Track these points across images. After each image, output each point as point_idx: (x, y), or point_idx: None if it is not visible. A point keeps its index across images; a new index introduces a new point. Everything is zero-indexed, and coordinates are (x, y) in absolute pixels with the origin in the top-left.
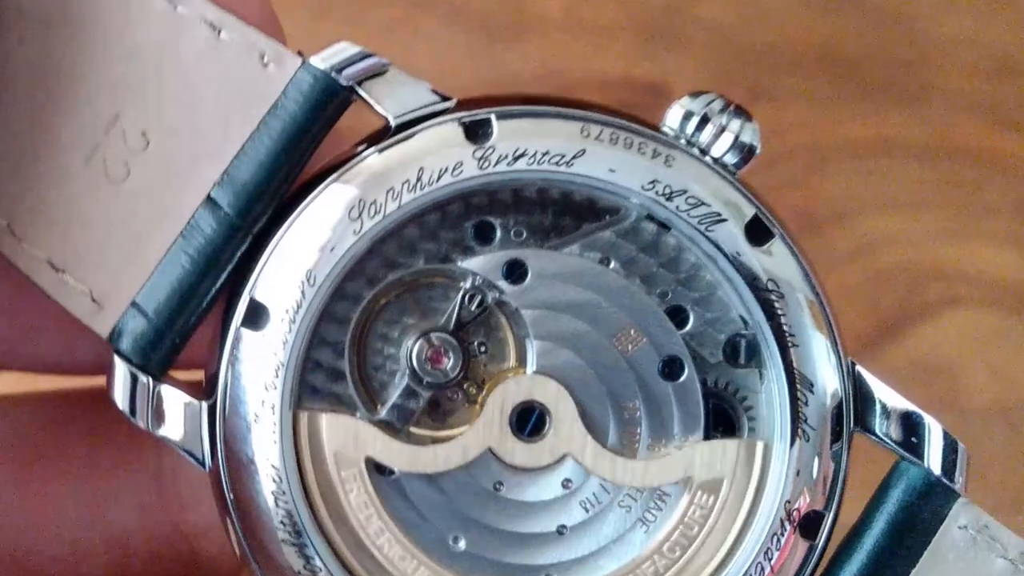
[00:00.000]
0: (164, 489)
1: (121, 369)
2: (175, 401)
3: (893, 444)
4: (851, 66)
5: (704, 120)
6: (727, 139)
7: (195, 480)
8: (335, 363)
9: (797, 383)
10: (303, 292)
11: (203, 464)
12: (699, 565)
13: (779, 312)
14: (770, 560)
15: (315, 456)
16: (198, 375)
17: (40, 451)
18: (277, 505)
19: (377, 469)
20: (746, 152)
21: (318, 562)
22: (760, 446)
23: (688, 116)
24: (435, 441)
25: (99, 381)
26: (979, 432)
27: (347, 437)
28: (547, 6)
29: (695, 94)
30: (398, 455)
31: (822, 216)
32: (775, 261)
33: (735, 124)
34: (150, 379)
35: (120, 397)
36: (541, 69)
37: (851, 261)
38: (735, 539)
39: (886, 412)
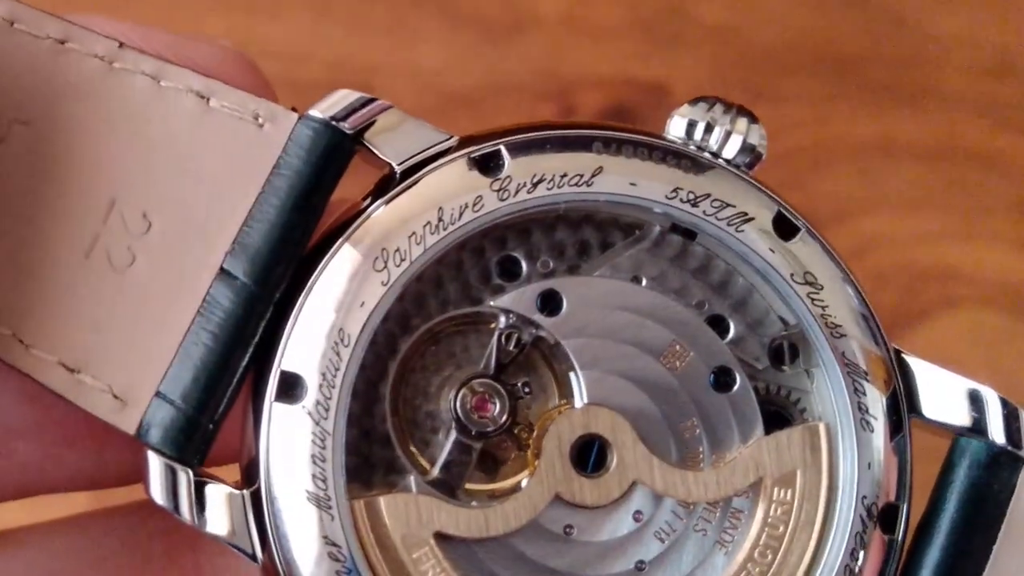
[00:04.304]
0: None
1: (156, 464)
2: (217, 494)
3: (951, 425)
4: (851, 66)
5: (709, 127)
6: (735, 142)
7: None
8: (379, 427)
9: (852, 373)
10: (339, 353)
11: (254, 558)
12: (792, 565)
13: (822, 304)
14: (857, 560)
15: (381, 544)
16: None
17: None
18: None
19: (442, 535)
20: (754, 155)
21: None
22: (822, 428)
23: (692, 125)
24: (492, 495)
25: (131, 496)
26: None
27: (410, 517)
28: (547, 6)
29: (693, 102)
30: (467, 524)
31: (822, 216)
32: (807, 254)
33: (741, 125)
34: (188, 471)
35: (159, 494)
36: (541, 69)
37: (851, 261)
38: (820, 530)
39: (938, 393)
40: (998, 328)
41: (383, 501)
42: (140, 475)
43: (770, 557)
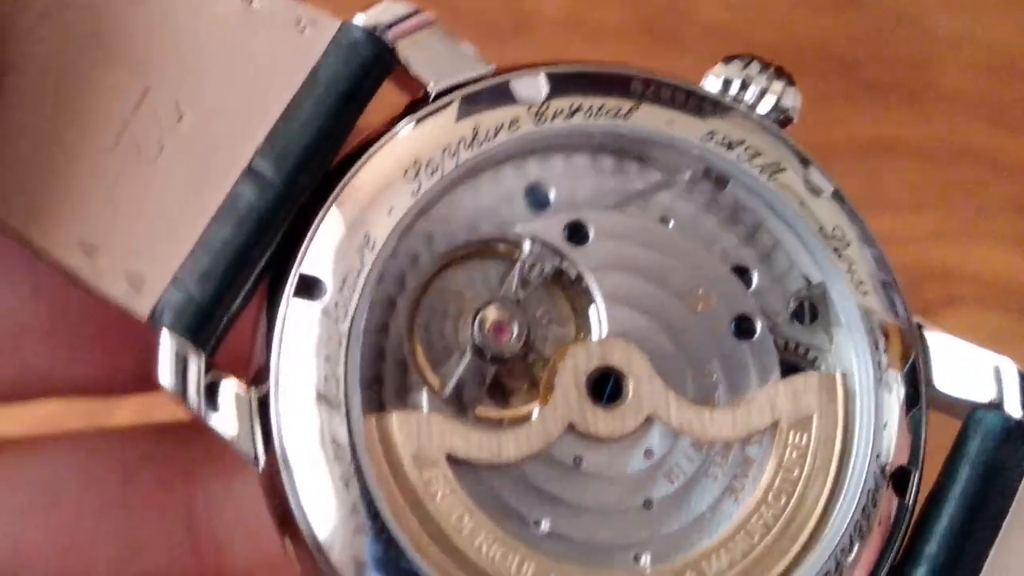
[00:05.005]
0: (199, 533)
1: (167, 345)
2: (226, 389)
3: (967, 400)
4: (851, 66)
5: (744, 84)
6: (769, 101)
7: (233, 521)
8: (394, 344)
9: (873, 330)
10: (362, 256)
11: (256, 461)
12: (806, 511)
13: (848, 259)
14: (868, 518)
15: (391, 462)
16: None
17: (72, 494)
18: (348, 488)
19: (454, 459)
20: (785, 117)
21: (404, 553)
22: (839, 376)
23: (728, 82)
24: (501, 423)
25: (130, 417)
26: None
27: (421, 435)
28: (547, 6)
29: (727, 59)
30: (478, 447)
31: None
32: (835, 211)
33: (777, 86)
34: (201, 354)
35: (167, 377)
36: None
37: None
38: (835, 477)
39: (956, 365)
40: (998, 328)
41: (395, 417)
42: (148, 384)
43: (784, 500)
